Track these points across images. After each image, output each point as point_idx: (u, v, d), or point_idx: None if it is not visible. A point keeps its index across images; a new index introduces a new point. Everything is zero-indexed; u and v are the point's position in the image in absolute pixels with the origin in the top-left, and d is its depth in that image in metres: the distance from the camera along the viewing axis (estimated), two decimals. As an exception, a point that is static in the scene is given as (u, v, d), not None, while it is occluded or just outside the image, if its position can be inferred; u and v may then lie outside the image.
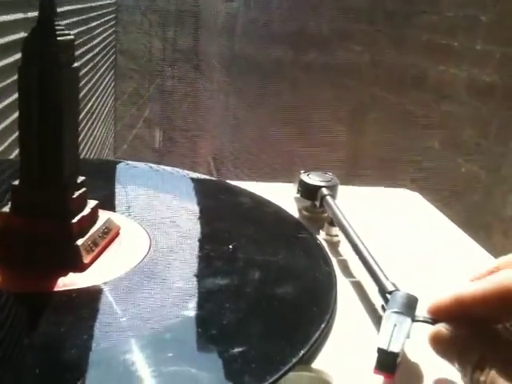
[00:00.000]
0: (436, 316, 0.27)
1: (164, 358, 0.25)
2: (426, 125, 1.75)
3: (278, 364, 0.25)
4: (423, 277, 0.37)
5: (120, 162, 0.49)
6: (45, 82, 0.28)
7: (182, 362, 0.25)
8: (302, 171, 0.44)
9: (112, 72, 2.43)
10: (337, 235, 0.40)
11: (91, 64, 1.81)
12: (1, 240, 0.30)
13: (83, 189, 0.31)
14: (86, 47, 1.68)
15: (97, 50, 1.94)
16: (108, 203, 0.38)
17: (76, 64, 0.29)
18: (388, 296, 0.29)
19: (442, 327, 0.26)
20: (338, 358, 0.27)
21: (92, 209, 0.32)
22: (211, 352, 0.26)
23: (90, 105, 1.78)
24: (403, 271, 0.37)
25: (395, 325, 0.26)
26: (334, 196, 0.42)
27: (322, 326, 0.28)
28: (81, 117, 1.63)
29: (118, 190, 0.42)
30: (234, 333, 0.27)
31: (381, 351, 0.25)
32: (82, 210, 0.31)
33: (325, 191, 0.41)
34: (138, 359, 0.24)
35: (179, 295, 0.30)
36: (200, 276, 0.32)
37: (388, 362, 0.24)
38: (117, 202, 0.39)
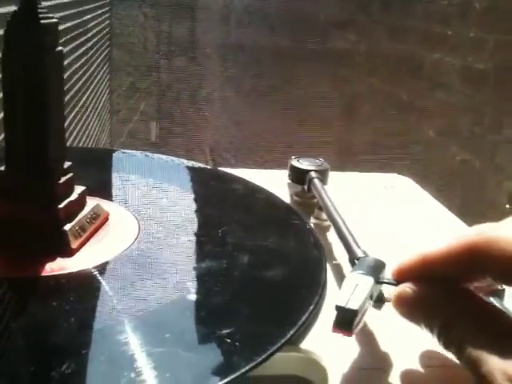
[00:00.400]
0: (401, 277, 0.26)
1: (153, 340, 0.25)
2: (420, 113, 1.75)
3: (266, 344, 0.25)
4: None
5: (112, 150, 0.49)
6: (29, 67, 0.28)
7: (171, 343, 0.25)
8: (292, 157, 0.44)
9: (107, 65, 2.42)
10: (327, 220, 0.40)
11: (86, 57, 1.80)
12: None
13: (70, 174, 0.31)
14: (80, 40, 1.67)
15: (91, 43, 1.93)
16: (97, 190, 0.37)
17: (60, 48, 0.29)
18: (356, 262, 0.29)
19: (405, 287, 0.25)
20: (327, 339, 0.28)
21: (79, 194, 0.31)
22: (199, 333, 0.26)
23: (84, 98, 1.78)
24: (394, 254, 0.37)
25: (357, 284, 0.26)
26: (323, 180, 0.42)
27: (311, 307, 0.28)
28: (75, 110, 1.63)
29: (108, 177, 0.42)
30: (222, 315, 0.27)
31: (339, 308, 0.24)
32: (69, 195, 0.31)
33: (313, 174, 0.41)
34: (128, 341, 0.24)
35: (168, 278, 0.30)
36: (189, 260, 0.32)
37: (346, 319, 0.24)
38: (106, 189, 0.39)
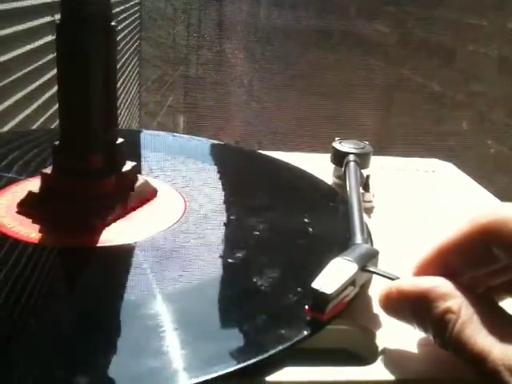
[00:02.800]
0: (421, 272, 0.25)
1: (186, 318, 0.25)
2: (454, 105, 1.72)
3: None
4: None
5: (151, 131, 0.49)
6: (82, 41, 0.28)
7: (205, 320, 0.25)
8: (336, 138, 0.43)
9: (136, 58, 2.44)
10: (370, 201, 0.40)
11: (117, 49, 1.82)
12: (42, 199, 0.30)
13: (121, 150, 0.32)
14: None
15: (121, 35, 1.95)
16: (143, 169, 0.38)
17: (113, 23, 0.29)
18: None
19: (392, 288, 0.24)
20: (380, 316, 0.27)
21: (129, 170, 0.32)
22: (239, 311, 0.26)
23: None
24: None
25: (338, 270, 0.25)
26: (363, 164, 0.41)
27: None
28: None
29: (152, 157, 0.42)
30: (266, 292, 0.27)
31: (313, 291, 0.24)
32: (119, 169, 0.31)
33: (350, 158, 0.41)
34: (162, 316, 0.24)
35: (210, 257, 0.30)
36: (233, 239, 0.32)
37: (319, 302, 0.24)
38: (151, 168, 0.40)
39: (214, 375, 0.21)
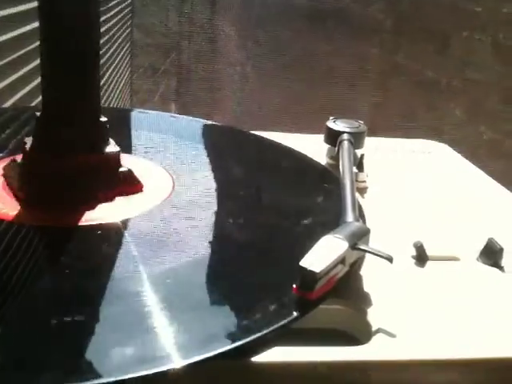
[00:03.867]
0: None
1: (173, 296, 0.24)
2: (448, 92, 1.71)
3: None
4: (462, 228, 0.35)
5: (138, 110, 0.48)
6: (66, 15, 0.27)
7: (192, 301, 0.24)
8: (330, 117, 0.42)
9: (128, 45, 2.41)
10: (364, 181, 0.39)
11: (107, 36, 1.80)
12: (23, 177, 0.29)
13: (105, 127, 0.30)
14: (102, 18, 1.66)
15: (112, 22, 1.92)
16: (130, 147, 0.37)
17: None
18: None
19: None
20: (372, 295, 0.27)
21: (114, 152, 0.31)
22: (226, 292, 0.25)
23: (105, 78, 1.78)
24: (432, 220, 0.36)
25: (327, 248, 0.24)
26: (356, 143, 0.40)
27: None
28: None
29: (139, 135, 0.41)
30: (252, 273, 0.26)
31: (301, 269, 0.23)
32: (102, 147, 0.30)
33: (344, 137, 0.40)
34: (148, 296, 0.23)
35: (198, 235, 0.29)
36: (221, 219, 0.31)
37: (307, 281, 0.23)
38: (139, 147, 0.38)
39: (201, 357, 0.20)
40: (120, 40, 2.13)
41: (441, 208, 0.37)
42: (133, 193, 0.31)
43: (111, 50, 1.86)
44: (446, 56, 1.72)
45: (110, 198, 0.29)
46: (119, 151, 0.31)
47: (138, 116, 0.47)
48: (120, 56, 2.14)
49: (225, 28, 2.27)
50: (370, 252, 0.25)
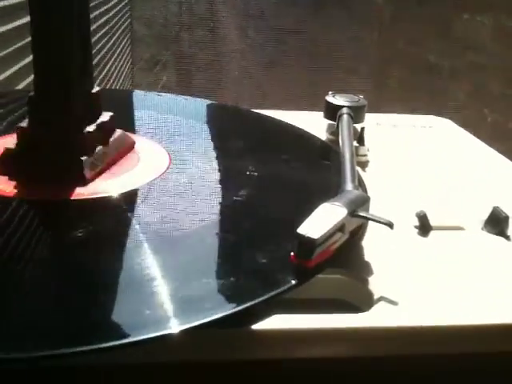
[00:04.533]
0: None
1: (175, 265, 0.23)
2: (450, 76, 1.69)
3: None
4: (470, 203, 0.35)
5: (138, 91, 0.47)
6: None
7: (191, 268, 0.23)
8: (329, 92, 0.41)
9: (128, 37, 2.40)
10: (365, 155, 0.38)
11: (106, 28, 1.78)
12: (18, 154, 0.28)
13: (97, 98, 0.30)
14: (100, 10, 1.65)
15: (111, 14, 1.91)
16: (127, 125, 0.36)
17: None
18: None
19: None
20: (373, 264, 0.26)
21: (107, 119, 0.30)
22: (225, 259, 0.25)
23: (105, 71, 1.76)
24: (436, 194, 0.35)
25: (325, 215, 0.23)
26: (356, 117, 0.39)
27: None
28: (96, 83, 1.61)
29: (137, 114, 0.41)
30: (251, 241, 0.26)
31: (299, 236, 0.22)
32: (96, 119, 0.29)
33: (344, 110, 0.39)
34: (149, 266, 0.23)
35: (197, 206, 0.28)
36: (221, 190, 0.31)
37: (305, 248, 0.22)
38: (137, 125, 0.38)
39: (198, 323, 0.20)
40: (119, 32, 2.12)
41: (444, 179, 0.36)
42: (126, 152, 0.30)
43: (111, 42, 1.85)
44: (448, 39, 1.70)
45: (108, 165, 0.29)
46: (113, 116, 0.30)
47: (132, 96, 0.47)
48: (120, 48, 2.13)
49: (225, 17, 2.26)
50: (369, 218, 0.25)
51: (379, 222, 0.24)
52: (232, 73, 2.23)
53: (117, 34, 2.05)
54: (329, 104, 0.40)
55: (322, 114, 0.42)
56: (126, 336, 0.19)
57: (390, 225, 0.24)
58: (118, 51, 2.06)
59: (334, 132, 0.41)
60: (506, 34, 1.49)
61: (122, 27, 2.22)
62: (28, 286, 0.21)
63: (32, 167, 0.28)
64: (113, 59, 1.93)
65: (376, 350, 0.22)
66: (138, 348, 0.19)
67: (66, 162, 0.28)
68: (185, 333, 0.19)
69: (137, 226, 0.26)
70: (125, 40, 2.28)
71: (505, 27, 1.49)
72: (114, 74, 1.98)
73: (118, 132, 0.31)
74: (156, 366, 0.21)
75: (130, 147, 0.32)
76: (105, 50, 1.71)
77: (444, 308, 0.23)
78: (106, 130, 0.30)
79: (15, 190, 0.27)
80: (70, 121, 0.28)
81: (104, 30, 1.73)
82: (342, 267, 0.25)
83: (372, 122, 0.45)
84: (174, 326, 0.19)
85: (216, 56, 2.26)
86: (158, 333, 0.19)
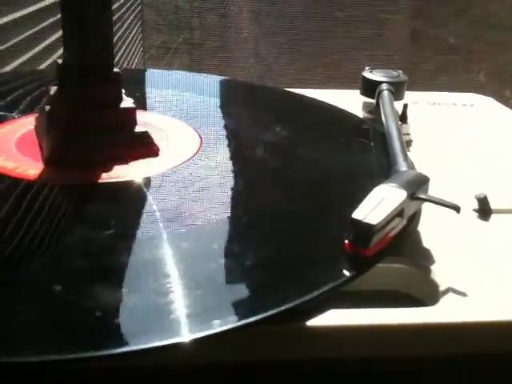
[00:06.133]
0: None
1: (193, 256, 0.21)
2: (470, 57, 1.65)
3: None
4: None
5: (159, 70, 0.45)
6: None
7: (214, 262, 0.21)
8: (366, 67, 0.39)
9: (139, 24, 2.37)
10: (408, 133, 0.35)
11: (117, 15, 1.76)
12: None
13: (117, 81, 0.27)
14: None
15: (121, 1, 1.88)
16: (155, 105, 0.34)
17: None
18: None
19: None
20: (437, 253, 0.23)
21: (127, 106, 0.27)
22: (271, 251, 0.22)
23: (117, 58, 1.74)
24: (479, 173, 0.33)
25: (383, 198, 0.21)
26: (396, 94, 0.36)
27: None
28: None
29: (164, 94, 0.38)
30: (299, 231, 0.23)
31: (354, 222, 0.20)
32: (117, 102, 0.27)
33: (383, 86, 0.36)
34: (168, 255, 0.21)
35: (223, 195, 0.26)
36: (258, 177, 0.28)
37: (362, 235, 0.20)
38: (164, 105, 0.35)
39: (253, 319, 0.17)
40: (130, 19, 2.09)
41: (496, 159, 0.34)
42: (148, 156, 0.28)
43: (122, 30, 1.82)
44: (467, 19, 1.65)
45: (124, 160, 0.26)
46: (135, 108, 0.28)
47: (155, 75, 0.44)
48: (131, 36, 2.11)
49: (236, 2, 2.22)
50: (432, 201, 0.22)
51: (444, 205, 0.22)
52: (244, 58, 2.20)
53: (128, 22, 2.02)
54: (367, 80, 0.38)
55: (352, 92, 0.40)
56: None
57: (457, 208, 0.22)
58: (129, 39, 2.04)
59: (372, 111, 0.38)
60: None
61: (133, 14, 2.19)
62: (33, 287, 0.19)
63: (53, 149, 0.26)
64: (124, 47, 1.90)
65: (446, 349, 0.20)
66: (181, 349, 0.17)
67: (85, 144, 0.26)
68: (235, 329, 0.17)
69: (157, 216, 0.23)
70: (136, 27, 2.25)
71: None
72: (126, 63, 1.96)
73: (146, 116, 0.28)
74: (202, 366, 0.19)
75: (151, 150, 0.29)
76: (116, 38, 1.69)
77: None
78: (128, 116, 0.27)
79: (33, 173, 0.25)
80: (102, 103, 0.26)
81: (115, 18, 1.70)
82: (400, 255, 0.23)
83: (409, 100, 0.42)
84: (231, 321, 0.17)
85: (228, 41, 2.23)
86: (209, 331, 0.17)
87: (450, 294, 0.21)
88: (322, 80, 1.84)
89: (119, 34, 1.78)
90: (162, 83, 0.41)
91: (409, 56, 1.79)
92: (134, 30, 2.21)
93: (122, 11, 1.87)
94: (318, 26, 1.94)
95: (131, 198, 0.25)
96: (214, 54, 2.27)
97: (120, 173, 0.25)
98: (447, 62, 1.69)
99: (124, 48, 1.90)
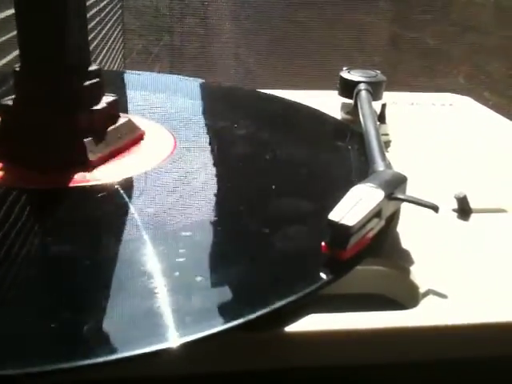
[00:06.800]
0: None
1: (172, 261, 0.20)
2: (449, 59, 1.66)
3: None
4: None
5: (136, 72, 0.44)
6: None
7: (208, 267, 0.20)
8: (344, 68, 0.38)
9: (119, 28, 2.35)
10: (387, 134, 0.35)
11: (97, 19, 1.74)
12: (3, 134, 0.25)
13: (96, 79, 0.27)
14: (91, 1, 1.61)
15: (101, 5, 1.86)
16: (129, 107, 0.33)
17: None
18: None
19: None
20: (415, 255, 0.23)
21: (108, 103, 0.27)
22: (246, 255, 0.22)
23: (97, 62, 1.72)
24: (460, 172, 0.32)
25: (360, 198, 0.20)
26: (374, 94, 0.36)
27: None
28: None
29: (140, 96, 0.37)
30: (274, 232, 0.23)
31: (331, 223, 0.19)
32: (95, 102, 0.26)
33: (362, 86, 0.36)
34: (148, 259, 0.20)
35: (200, 196, 0.25)
36: (228, 177, 0.28)
37: (339, 237, 0.19)
38: (139, 107, 0.35)
39: (229, 326, 0.17)
40: (110, 23, 2.07)
41: (475, 159, 0.34)
42: (134, 142, 0.27)
43: (102, 34, 1.81)
44: (447, 22, 1.67)
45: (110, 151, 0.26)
46: (116, 100, 0.27)
47: (132, 77, 0.44)
48: (112, 40, 2.09)
49: (216, 5, 2.21)
50: (410, 201, 0.22)
51: (422, 205, 0.21)
52: (225, 62, 2.20)
53: (108, 26, 2.00)
54: (344, 80, 0.37)
55: (331, 93, 0.39)
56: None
57: (435, 208, 0.21)
58: (109, 43, 2.02)
59: (351, 112, 0.38)
60: (506, 15, 1.46)
61: (113, 18, 2.17)
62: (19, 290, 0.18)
63: (18, 151, 0.25)
64: (104, 51, 1.89)
65: (430, 353, 0.19)
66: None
67: (56, 146, 0.25)
68: (209, 336, 0.16)
69: (139, 222, 0.23)
70: (116, 31, 2.24)
71: (506, 8, 1.46)
72: (106, 66, 1.94)
73: (124, 117, 0.28)
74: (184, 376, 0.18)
75: (138, 138, 0.28)
76: (96, 42, 1.67)
77: (503, 301, 0.20)
78: (107, 114, 0.26)
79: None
80: (66, 102, 0.25)
81: (94, 22, 1.69)
82: (378, 257, 0.22)
83: (388, 101, 0.41)
84: (206, 328, 0.16)
85: (209, 45, 2.23)
86: (194, 336, 0.16)
87: (431, 296, 0.21)
88: (303, 82, 1.84)
89: (99, 37, 1.77)
90: (138, 85, 0.40)
91: (388, 58, 1.80)
92: (115, 34, 2.19)
93: (102, 15, 1.85)
94: (298, 28, 1.94)
95: (106, 201, 0.24)
96: (195, 57, 2.27)
97: (91, 176, 0.24)
98: (426, 64, 1.70)
99: (104, 52, 1.88)
